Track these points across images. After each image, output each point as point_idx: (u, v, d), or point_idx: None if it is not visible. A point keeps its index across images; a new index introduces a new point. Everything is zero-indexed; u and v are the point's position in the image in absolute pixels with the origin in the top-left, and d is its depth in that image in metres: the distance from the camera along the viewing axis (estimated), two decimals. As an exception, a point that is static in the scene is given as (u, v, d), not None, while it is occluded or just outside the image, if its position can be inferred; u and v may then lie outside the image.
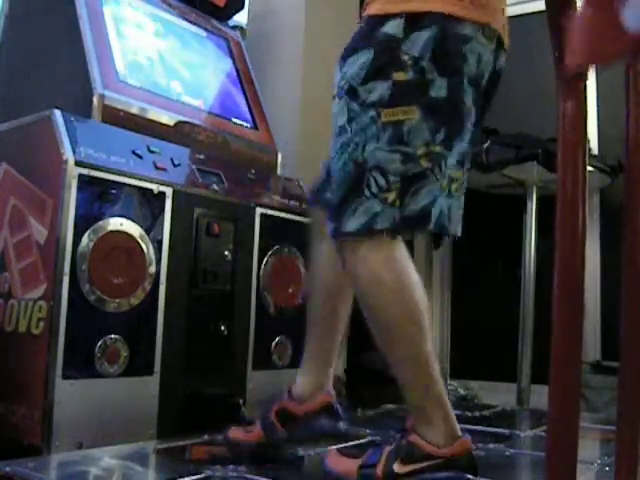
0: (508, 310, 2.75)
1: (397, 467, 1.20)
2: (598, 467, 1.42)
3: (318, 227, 1.44)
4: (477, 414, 2.15)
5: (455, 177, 1.25)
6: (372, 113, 1.19)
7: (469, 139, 1.28)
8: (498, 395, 2.69)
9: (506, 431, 1.84)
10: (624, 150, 0.82)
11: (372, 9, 1.25)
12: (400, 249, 1.23)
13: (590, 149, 2.64)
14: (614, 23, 0.58)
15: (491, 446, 1.62)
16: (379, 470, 1.21)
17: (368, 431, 1.75)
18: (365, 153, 1.19)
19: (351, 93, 1.22)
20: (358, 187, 1.20)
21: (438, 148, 1.19)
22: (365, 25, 1.25)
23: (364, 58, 1.20)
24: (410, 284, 1.23)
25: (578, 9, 0.67)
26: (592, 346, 2.73)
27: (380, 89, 1.18)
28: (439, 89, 1.18)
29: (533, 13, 2.89)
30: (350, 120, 1.21)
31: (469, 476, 1.21)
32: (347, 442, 1.39)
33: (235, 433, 1.48)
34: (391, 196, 1.18)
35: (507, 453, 1.59)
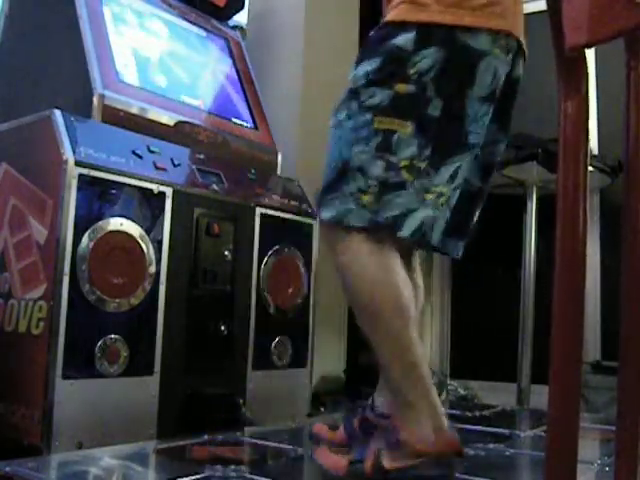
0: (508, 310, 2.75)
1: (387, 463, 1.22)
2: (598, 467, 1.42)
3: None
4: (477, 414, 2.15)
5: (442, 192, 1.26)
6: (368, 116, 1.23)
7: (475, 155, 1.30)
8: (498, 395, 2.68)
9: (506, 431, 1.84)
10: (624, 150, 0.82)
11: (390, 15, 1.27)
12: (383, 246, 1.24)
13: (590, 149, 2.64)
14: None
15: (491, 446, 1.61)
16: (368, 465, 1.23)
17: (368, 431, 1.75)
18: (352, 152, 1.23)
19: (353, 93, 1.25)
20: (340, 181, 1.24)
21: (423, 164, 1.22)
22: (380, 31, 1.27)
23: (372, 64, 1.24)
24: (392, 279, 1.25)
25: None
26: (592, 346, 2.73)
27: (380, 96, 1.22)
28: (435, 108, 1.21)
29: (533, 13, 2.89)
30: (348, 117, 1.25)
31: (456, 473, 1.22)
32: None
33: (320, 429, 1.48)
34: (366, 198, 1.22)
35: (507, 453, 1.59)
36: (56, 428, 1.58)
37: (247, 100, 2.43)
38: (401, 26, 1.23)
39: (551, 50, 0.77)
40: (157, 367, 1.79)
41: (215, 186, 2.03)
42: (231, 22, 2.63)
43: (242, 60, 2.51)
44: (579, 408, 0.75)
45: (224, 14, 2.56)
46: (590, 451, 1.63)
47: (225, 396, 1.94)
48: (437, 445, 1.21)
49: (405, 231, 1.23)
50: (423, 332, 3.17)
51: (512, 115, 1.40)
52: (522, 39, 1.32)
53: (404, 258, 1.41)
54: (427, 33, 1.21)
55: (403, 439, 1.22)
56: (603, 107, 2.59)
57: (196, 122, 2.14)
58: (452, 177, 1.26)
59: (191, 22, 2.41)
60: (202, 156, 2.05)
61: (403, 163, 1.21)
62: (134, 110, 1.95)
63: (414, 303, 1.29)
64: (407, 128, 1.21)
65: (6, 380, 1.68)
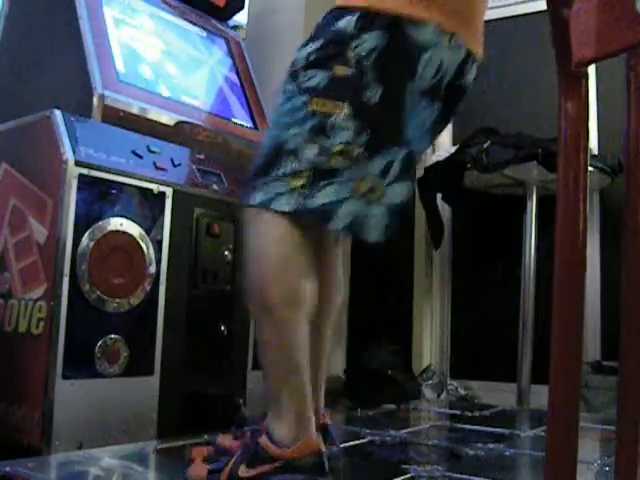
0: (508, 310, 2.75)
1: (242, 471, 1.18)
2: (598, 467, 1.42)
3: None
4: (477, 414, 2.16)
5: (375, 186, 1.22)
6: (305, 98, 1.20)
7: (410, 148, 1.25)
8: (498, 395, 2.68)
9: (506, 431, 1.84)
10: (624, 150, 0.82)
11: (335, 4, 1.26)
12: (298, 235, 1.21)
13: (590, 149, 2.64)
14: (627, 10, 0.58)
15: (491, 446, 1.62)
16: (224, 475, 1.19)
17: (367, 431, 1.75)
18: (287, 134, 1.21)
19: (293, 75, 1.24)
20: (273, 164, 1.21)
21: (358, 150, 1.19)
22: (327, 16, 1.26)
23: (314, 45, 1.23)
24: (294, 268, 1.21)
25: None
26: (592, 346, 2.73)
27: (318, 77, 1.20)
28: (373, 94, 1.18)
29: (533, 13, 2.90)
30: (286, 100, 1.23)
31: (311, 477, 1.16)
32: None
33: (224, 440, 1.42)
34: (298, 183, 1.18)
35: (507, 453, 1.59)
36: (56, 428, 1.57)
37: (247, 100, 2.42)
38: (346, 10, 1.21)
39: (550, 50, 0.77)
40: (157, 367, 1.79)
41: (215, 186, 2.03)
42: (231, 22, 2.63)
43: (242, 60, 2.51)
44: (579, 408, 0.75)
45: (224, 14, 2.56)
46: (590, 451, 1.63)
47: (225, 396, 1.94)
48: (294, 449, 1.17)
49: (337, 223, 1.20)
50: (423, 332, 3.17)
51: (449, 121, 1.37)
52: (472, 45, 1.27)
53: (326, 249, 1.39)
54: (370, 18, 1.19)
55: (261, 443, 1.19)
56: (603, 107, 2.59)
57: (196, 122, 2.14)
58: (384, 172, 1.22)
59: (191, 22, 2.41)
60: (202, 156, 2.05)
61: (337, 148, 1.18)
62: (134, 110, 1.94)
63: (314, 300, 1.24)
64: (343, 111, 1.18)
65: (6, 380, 1.68)
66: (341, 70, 1.18)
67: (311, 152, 1.19)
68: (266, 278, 1.22)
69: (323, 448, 1.19)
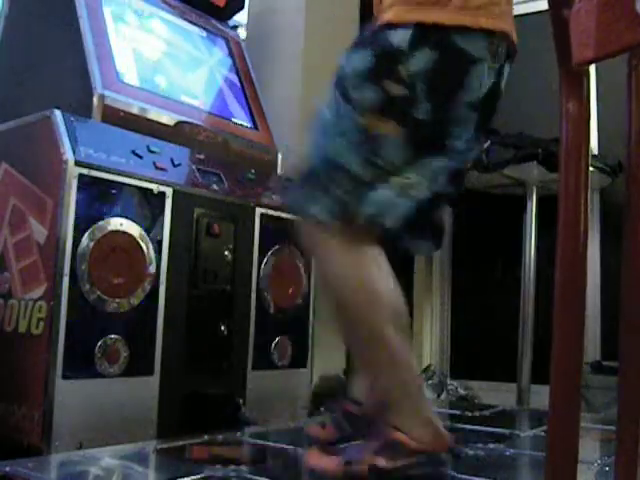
0: (508, 310, 2.75)
1: (382, 463, 1.22)
2: (598, 467, 1.42)
3: None
4: (477, 414, 2.15)
5: (415, 183, 1.23)
6: (353, 110, 1.21)
7: (456, 159, 1.27)
8: (498, 395, 2.69)
9: (506, 431, 1.84)
10: (626, 150, 0.82)
11: (387, 16, 1.24)
12: (348, 241, 1.22)
13: (590, 149, 2.64)
14: (627, 11, 0.58)
15: (491, 446, 1.61)
16: (364, 466, 1.23)
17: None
18: (332, 145, 1.23)
19: (342, 84, 1.24)
20: (317, 173, 1.23)
21: (403, 164, 1.21)
22: (376, 28, 1.25)
23: (363, 58, 1.22)
24: (379, 284, 1.24)
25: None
26: (592, 346, 2.73)
27: (369, 92, 1.20)
28: (422, 111, 1.20)
29: (533, 13, 2.90)
30: (333, 109, 1.24)
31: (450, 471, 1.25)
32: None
33: (314, 430, 1.52)
34: (340, 192, 1.20)
35: (507, 453, 1.59)
36: (56, 428, 1.58)
37: (247, 100, 2.43)
38: (397, 25, 1.21)
39: (551, 50, 0.77)
40: (157, 367, 1.79)
41: (215, 186, 2.03)
42: (231, 22, 2.63)
43: (242, 60, 2.51)
44: (579, 408, 0.75)
45: (224, 14, 2.56)
46: (590, 451, 1.63)
47: (225, 396, 1.94)
48: (432, 443, 1.22)
49: (390, 222, 1.21)
50: (423, 332, 3.17)
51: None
52: (513, 33, 1.29)
53: None
54: (423, 33, 1.19)
55: (397, 438, 1.22)
56: (603, 107, 2.59)
57: (196, 122, 2.14)
58: (433, 176, 1.23)
59: (191, 22, 2.41)
60: (202, 156, 2.05)
61: (381, 162, 1.20)
62: (134, 110, 1.94)
63: (399, 299, 1.27)
64: (392, 128, 1.19)
65: (6, 380, 1.68)
66: (393, 87, 1.19)
67: (356, 164, 1.20)
68: (344, 291, 1.24)
69: (451, 441, 1.26)
